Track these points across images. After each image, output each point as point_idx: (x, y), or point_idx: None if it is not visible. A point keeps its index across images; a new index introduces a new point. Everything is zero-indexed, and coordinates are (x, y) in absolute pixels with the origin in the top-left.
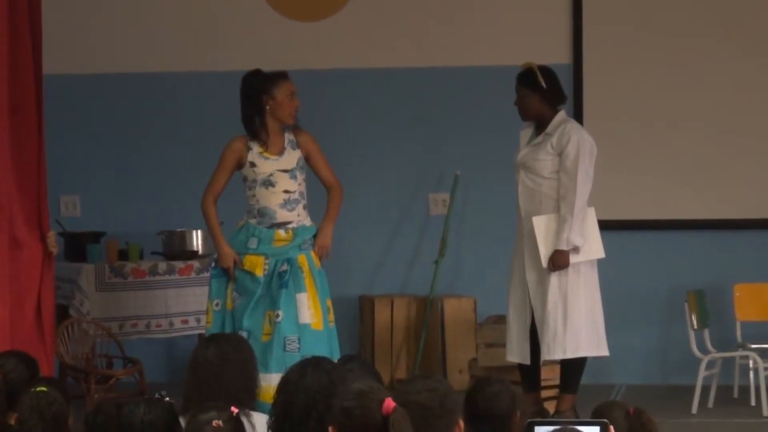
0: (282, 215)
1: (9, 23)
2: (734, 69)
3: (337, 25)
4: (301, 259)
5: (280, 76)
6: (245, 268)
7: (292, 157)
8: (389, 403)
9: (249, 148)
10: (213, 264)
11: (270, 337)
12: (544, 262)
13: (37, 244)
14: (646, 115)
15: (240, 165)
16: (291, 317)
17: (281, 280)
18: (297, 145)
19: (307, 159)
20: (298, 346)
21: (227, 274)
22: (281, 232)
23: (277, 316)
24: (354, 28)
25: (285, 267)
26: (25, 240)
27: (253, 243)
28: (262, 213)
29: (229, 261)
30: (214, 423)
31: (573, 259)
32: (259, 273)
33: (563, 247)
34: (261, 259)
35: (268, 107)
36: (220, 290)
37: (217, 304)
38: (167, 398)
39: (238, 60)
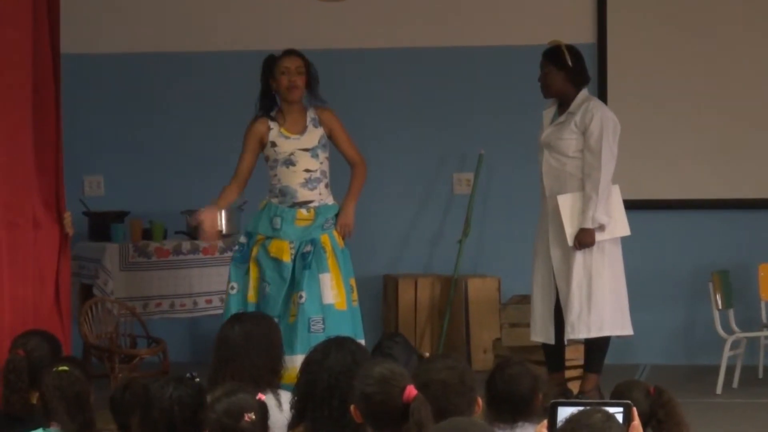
0: (303, 194)
1: (33, 2)
2: (759, 49)
3: (360, 4)
4: (324, 239)
5: (282, 55)
6: (272, 254)
7: (314, 136)
8: (410, 391)
9: (269, 128)
10: (236, 247)
11: (295, 318)
12: (570, 241)
13: (54, 224)
14: (670, 94)
15: (262, 145)
16: (315, 298)
17: (304, 261)
18: (319, 123)
19: (329, 136)
20: (322, 326)
21: (248, 261)
22: (303, 211)
23: (301, 297)
24: (377, 7)
25: (309, 248)
26: (43, 220)
27: (276, 223)
28: (284, 192)
29: (202, 218)
30: (247, 417)
31: (598, 237)
32: (287, 259)
33: (589, 225)
34: (286, 245)
35: (275, 87)
36: (238, 275)
37: (232, 288)
38: (197, 379)
39: (261, 40)
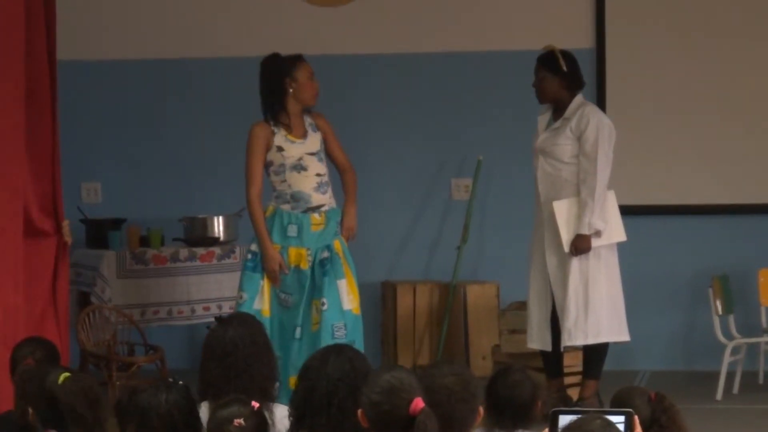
0: (317, 198)
1: (26, 8)
2: (758, 54)
3: (357, 10)
4: (337, 244)
5: (299, 59)
6: (291, 262)
7: (315, 140)
8: (417, 403)
9: (273, 132)
10: (249, 256)
11: (318, 326)
12: (566, 247)
13: (52, 232)
14: (668, 99)
15: (267, 149)
16: (335, 304)
17: (323, 268)
18: (316, 128)
19: (323, 142)
20: (345, 332)
21: (260, 270)
22: (316, 216)
23: (323, 304)
24: (374, 12)
25: (326, 254)
26: (40, 228)
27: (292, 231)
28: (297, 197)
29: (275, 264)
30: (236, 422)
31: (595, 242)
32: (305, 266)
33: (585, 231)
34: (304, 252)
35: (291, 90)
36: (248, 284)
37: (241, 297)
38: (181, 382)
39: (258, 45)
